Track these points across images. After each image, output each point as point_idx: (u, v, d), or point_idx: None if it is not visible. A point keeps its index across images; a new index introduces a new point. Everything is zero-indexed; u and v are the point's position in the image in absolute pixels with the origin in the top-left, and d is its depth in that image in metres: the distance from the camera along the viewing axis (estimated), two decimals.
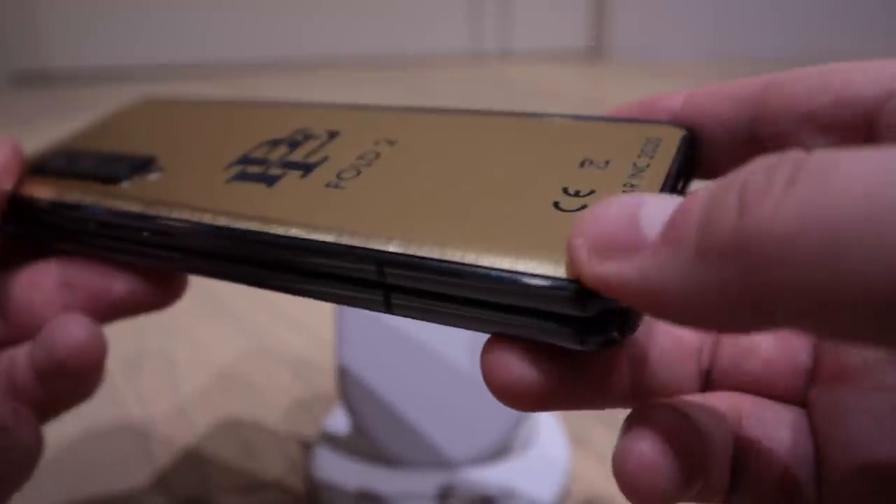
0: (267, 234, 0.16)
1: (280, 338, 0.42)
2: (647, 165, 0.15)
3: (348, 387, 0.27)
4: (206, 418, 0.35)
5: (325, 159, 0.18)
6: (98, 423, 0.35)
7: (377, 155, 0.18)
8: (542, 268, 0.13)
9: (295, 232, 0.15)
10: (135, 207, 0.18)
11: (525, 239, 0.13)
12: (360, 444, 0.28)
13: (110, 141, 0.23)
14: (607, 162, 0.15)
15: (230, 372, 0.39)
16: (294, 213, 0.16)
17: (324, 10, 1.20)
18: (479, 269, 0.13)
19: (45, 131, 0.92)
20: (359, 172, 0.17)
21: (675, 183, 0.15)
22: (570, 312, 0.12)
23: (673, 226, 0.11)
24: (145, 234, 0.18)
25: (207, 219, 0.17)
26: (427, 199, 0.15)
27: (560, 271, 0.12)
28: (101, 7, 1.16)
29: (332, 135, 0.19)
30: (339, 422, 0.31)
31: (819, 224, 0.09)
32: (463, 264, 0.13)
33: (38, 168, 0.21)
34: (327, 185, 0.17)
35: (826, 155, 0.09)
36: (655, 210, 0.11)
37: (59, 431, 0.35)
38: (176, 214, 0.17)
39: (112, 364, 0.40)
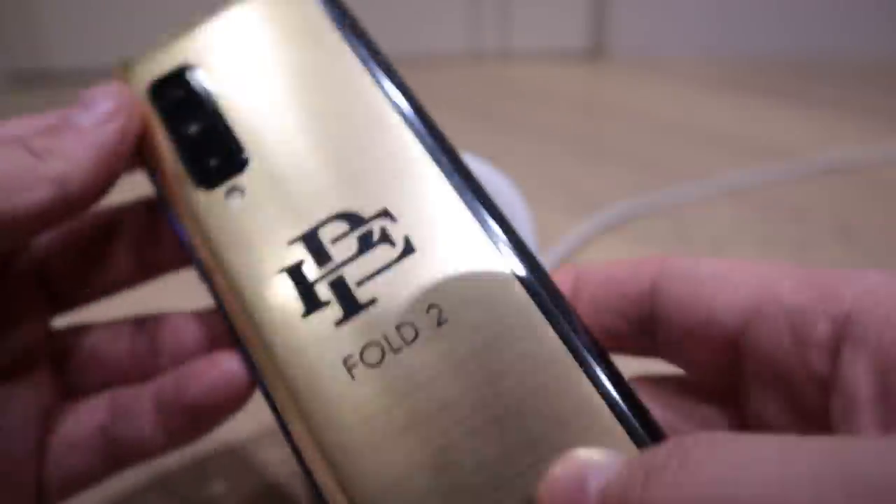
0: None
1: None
2: None
3: None
4: None
5: (372, 302, 0.17)
6: None
7: (416, 335, 0.16)
8: None
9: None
10: (201, 253, 0.19)
11: None
12: None
13: (234, 66, 0.20)
14: None
15: None
16: (303, 397, 0.16)
17: None
18: None
19: None
20: (381, 358, 0.16)
21: None
22: None
23: (604, 497, 0.13)
24: (199, 278, 0.19)
25: (239, 324, 0.18)
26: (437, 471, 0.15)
27: None
28: (103, 7, 1.16)
29: (405, 252, 0.17)
30: None
31: None
32: None
33: (158, 91, 0.21)
34: (346, 362, 0.16)
35: (705, 444, 0.12)
36: (598, 478, 0.13)
37: None
38: (218, 292, 0.18)
39: None
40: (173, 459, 0.32)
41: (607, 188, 0.63)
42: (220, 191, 0.19)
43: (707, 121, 0.85)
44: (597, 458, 0.14)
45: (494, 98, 1.00)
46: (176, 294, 0.48)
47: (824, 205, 0.58)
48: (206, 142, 0.20)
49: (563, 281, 0.17)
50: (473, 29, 1.28)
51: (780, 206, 0.58)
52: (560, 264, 0.51)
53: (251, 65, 0.20)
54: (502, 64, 1.19)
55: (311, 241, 0.18)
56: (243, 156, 0.19)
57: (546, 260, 0.50)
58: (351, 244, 0.17)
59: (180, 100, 0.20)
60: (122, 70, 0.21)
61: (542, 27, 1.29)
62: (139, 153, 0.21)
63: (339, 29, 0.21)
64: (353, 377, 0.16)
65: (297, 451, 0.17)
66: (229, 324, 0.18)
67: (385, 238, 0.17)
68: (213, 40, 0.21)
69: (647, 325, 0.17)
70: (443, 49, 1.29)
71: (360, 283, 0.17)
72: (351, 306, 0.17)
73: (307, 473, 0.17)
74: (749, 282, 0.15)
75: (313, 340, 0.16)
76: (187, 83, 0.21)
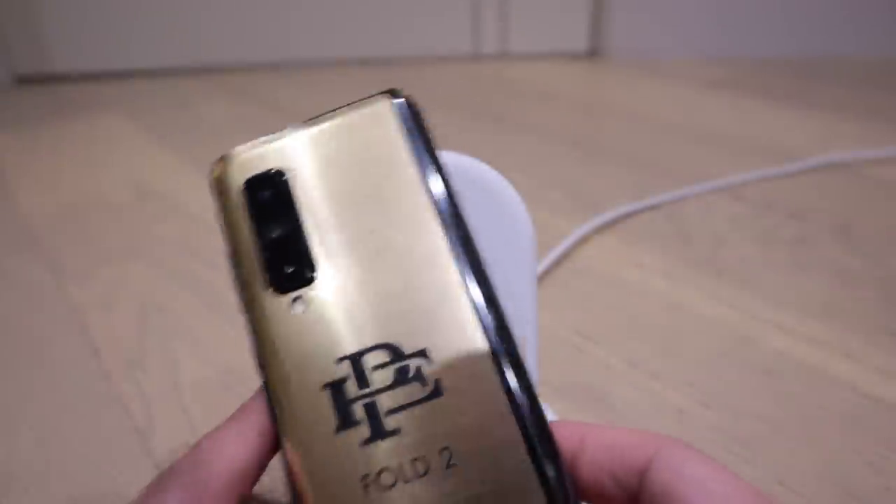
0: None
1: None
2: None
3: None
4: (207, 418, 0.35)
5: (396, 431, 0.19)
6: (99, 423, 0.35)
7: (426, 471, 0.18)
8: None
9: None
10: (259, 347, 0.20)
11: None
12: None
13: (327, 170, 0.22)
14: None
15: (232, 371, 0.39)
16: None
17: (323, 11, 1.20)
18: None
19: (47, 133, 0.92)
20: (393, 484, 0.18)
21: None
22: None
23: None
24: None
25: (280, 418, 0.19)
26: None
27: None
28: (104, 11, 1.16)
29: (433, 394, 0.19)
30: None
31: None
32: None
33: (252, 187, 0.22)
34: (363, 479, 0.18)
35: None
36: None
37: (61, 431, 0.35)
38: (268, 385, 0.20)
39: (113, 363, 0.40)
40: (174, 459, 0.33)
41: (607, 188, 0.63)
42: (288, 298, 0.21)
43: (707, 121, 0.86)
44: None
45: (494, 98, 1.00)
46: (177, 294, 0.48)
47: (824, 204, 0.58)
48: (284, 249, 0.21)
49: (568, 438, 0.19)
50: (473, 32, 1.28)
51: (779, 206, 0.58)
52: (560, 264, 0.51)
53: (332, 182, 0.22)
54: (502, 65, 1.19)
55: (356, 363, 0.20)
56: (314, 271, 0.21)
57: (546, 259, 0.50)
58: (388, 375, 0.19)
59: (270, 201, 0.22)
60: (222, 162, 0.22)
61: (541, 30, 1.30)
62: (223, 234, 0.22)
63: (416, 161, 0.22)
64: (366, 494, 0.18)
65: None
66: (272, 413, 0.20)
67: (419, 377, 0.19)
68: (304, 151, 0.23)
69: (635, 498, 0.18)
70: (443, 51, 1.29)
71: (389, 412, 0.19)
72: (378, 431, 0.19)
73: None
74: (718, 497, 0.16)
75: (341, 453, 0.19)
76: (278, 187, 0.22)
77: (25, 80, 1.18)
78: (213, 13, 1.19)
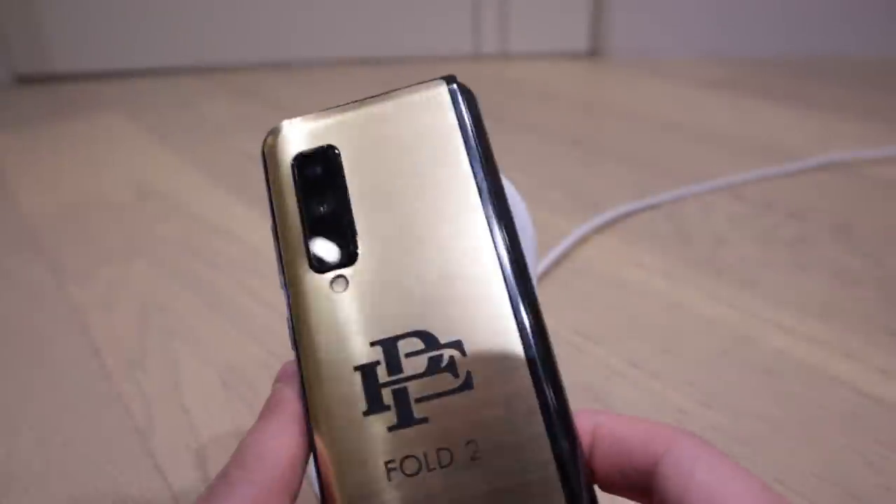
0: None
1: (283, 337, 0.42)
2: None
3: None
4: (208, 417, 0.35)
5: (424, 420, 0.19)
6: (99, 423, 0.35)
7: (451, 462, 0.18)
8: None
9: None
10: (295, 323, 0.20)
11: None
12: None
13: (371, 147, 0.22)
14: None
15: (232, 371, 0.39)
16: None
17: (323, 11, 1.20)
18: None
19: (48, 133, 0.92)
20: (417, 472, 0.18)
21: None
22: None
23: None
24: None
25: (310, 398, 0.19)
26: None
27: None
28: (104, 11, 1.16)
29: (464, 386, 0.19)
30: None
31: None
32: None
33: (302, 163, 0.22)
34: (387, 464, 0.18)
35: None
36: None
37: (61, 431, 0.35)
38: (300, 362, 0.19)
39: (114, 363, 0.40)
40: (175, 458, 0.33)
41: (607, 188, 0.63)
42: (328, 277, 0.20)
43: (706, 121, 0.86)
44: None
45: (494, 98, 1.00)
46: (177, 294, 0.48)
47: (824, 204, 0.58)
48: (329, 227, 0.21)
49: (582, 428, 0.19)
50: (473, 32, 1.28)
51: (779, 206, 0.58)
52: (560, 263, 0.51)
53: (382, 163, 0.22)
54: (502, 64, 1.19)
55: (390, 348, 0.20)
56: (357, 251, 0.21)
57: (546, 259, 0.50)
58: (421, 362, 0.19)
59: (318, 178, 0.22)
60: (274, 133, 0.22)
61: (543, 31, 1.29)
62: (270, 206, 0.22)
63: (468, 151, 0.22)
64: (389, 479, 0.18)
65: None
66: (303, 392, 0.20)
67: (451, 367, 0.19)
68: (357, 129, 0.22)
69: (647, 489, 0.18)
70: (444, 51, 1.29)
71: (418, 400, 0.19)
72: (406, 418, 0.19)
73: None
74: (727, 498, 0.16)
75: (367, 437, 0.19)
76: (328, 164, 0.22)
77: (25, 80, 1.18)
78: (215, 12, 1.19)
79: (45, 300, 0.47)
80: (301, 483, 0.19)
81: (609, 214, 0.55)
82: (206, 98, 1.02)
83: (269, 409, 0.20)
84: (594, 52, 1.24)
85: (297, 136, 0.22)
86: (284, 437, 0.19)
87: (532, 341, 0.19)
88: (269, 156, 0.22)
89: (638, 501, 0.18)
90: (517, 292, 0.20)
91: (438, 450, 0.18)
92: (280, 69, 1.20)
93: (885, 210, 0.57)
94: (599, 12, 1.23)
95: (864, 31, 1.12)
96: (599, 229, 0.54)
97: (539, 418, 0.19)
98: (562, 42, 1.24)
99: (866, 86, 0.96)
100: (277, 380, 0.20)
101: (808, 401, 0.35)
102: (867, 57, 1.10)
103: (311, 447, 0.19)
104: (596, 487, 0.18)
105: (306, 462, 0.19)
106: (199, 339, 0.42)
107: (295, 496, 0.18)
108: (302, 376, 0.20)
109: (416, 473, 0.18)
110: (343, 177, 0.22)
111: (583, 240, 0.53)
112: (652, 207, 0.58)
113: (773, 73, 1.02)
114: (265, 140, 0.22)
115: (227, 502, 0.17)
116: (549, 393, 0.19)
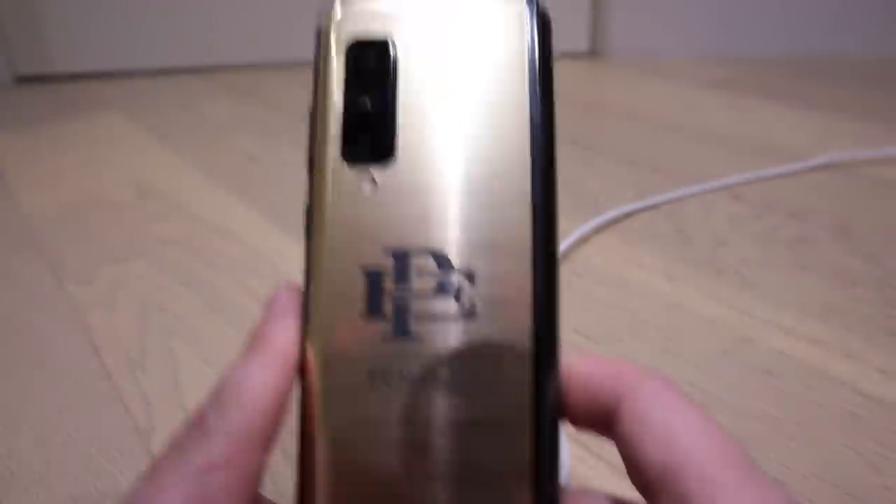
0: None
1: None
2: None
3: None
4: None
5: (418, 338, 0.19)
6: (100, 423, 0.35)
7: (433, 382, 0.19)
8: None
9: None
10: (313, 211, 0.19)
11: None
12: None
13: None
14: None
15: None
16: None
17: None
18: None
19: (48, 133, 0.92)
20: (399, 384, 0.18)
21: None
22: None
23: None
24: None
25: (311, 286, 0.19)
26: None
27: None
28: (104, 11, 1.16)
29: (466, 315, 0.19)
30: None
31: None
32: None
33: (354, 50, 0.21)
34: (372, 369, 0.18)
35: None
36: None
37: (61, 431, 0.35)
38: (309, 250, 0.19)
39: (114, 363, 0.40)
40: None
41: (607, 188, 0.63)
42: (358, 171, 0.20)
43: (707, 121, 0.86)
44: None
45: None
46: (178, 293, 0.48)
47: (824, 204, 0.58)
48: (370, 121, 0.20)
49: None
50: None
51: (779, 206, 0.58)
52: (560, 263, 0.51)
53: (440, 67, 0.21)
54: None
55: (402, 260, 0.19)
56: (394, 152, 0.20)
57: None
58: (430, 282, 0.19)
59: (370, 69, 0.21)
60: (332, 13, 0.21)
61: None
62: (313, 90, 0.21)
63: (531, 77, 0.21)
64: (372, 386, 0.18)
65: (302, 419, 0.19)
66: (305, 280, 0.20)
67: (458, 295, 0.19)
68: (421, 24, 0.21)
69: (609, 425, 0.18)
70: None
71: (417, 318, 0.19)
72: (401, 331, 0.19)
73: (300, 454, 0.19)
74: (679, 446, 0.16)
75: (359, 340, 0.19)
76: (382, 57, 0.21)
77: (26, 80, 1.18)
78: (215, 12, 1.19)
79: (45, 300, 0.47)
80: (281, 426, 0.18)
81: (609, 214, 0.55)
82: (206, 98, 1.02)
83: (254, 343, 0.18)
84: (594, 52, 1.24)
85: (357, 20, 0.21)
86: (268, 377, 0.18)
87: (542, 294, 0.19)
88: (323, 36, 0.21)
89: (605, 437, 0.19)
90: (542, 242, 0.20)
91: (426, 370, 0.18)
92: (280, 69, 1.20)
93: (885, 210, 0.57)
94: (599, 12, 1.23)
95: (863, 31, 1.12)
96: (599, 229, 0.54)
97: (528, 366, 0.19)
98: (562, 42, 1.24)
99: (865, 86, 0.96)
100: (267, 308, 0.19)
101: (808, 401, 0.35)
102: (866, 57, 1.10)
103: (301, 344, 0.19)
104: (569, 426, 0.19)
105: (288, 403, 0.18)
106: (199, 339, 0.42)
107: (274, 440, 0.18)
108: (307, 269, 0.19)
109: (398, 387, 0.18)
110: (395, 74, 0.20)
111: (583, 240, 0.53)
112: (652, 207, 0.58)
113: (773, 73, 1.02)
114: (323, 14, 0.21)
115: (203, 454, 0.16)
116: (545, 344, 0.19)
